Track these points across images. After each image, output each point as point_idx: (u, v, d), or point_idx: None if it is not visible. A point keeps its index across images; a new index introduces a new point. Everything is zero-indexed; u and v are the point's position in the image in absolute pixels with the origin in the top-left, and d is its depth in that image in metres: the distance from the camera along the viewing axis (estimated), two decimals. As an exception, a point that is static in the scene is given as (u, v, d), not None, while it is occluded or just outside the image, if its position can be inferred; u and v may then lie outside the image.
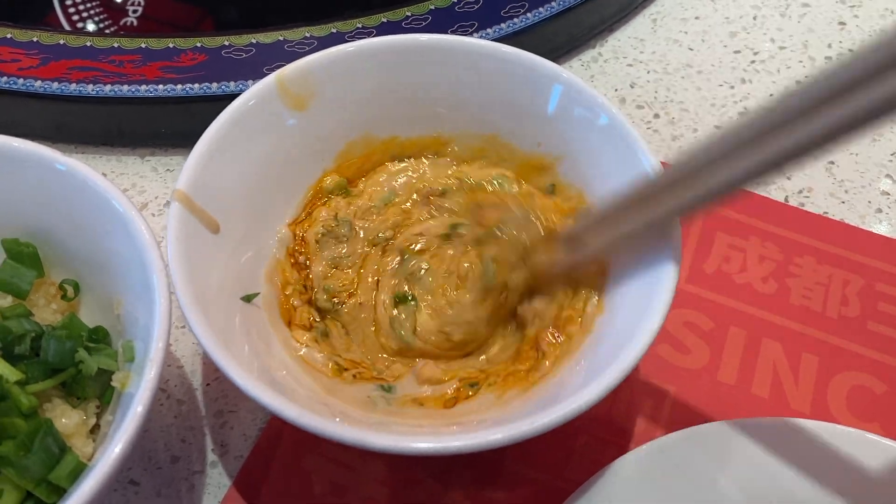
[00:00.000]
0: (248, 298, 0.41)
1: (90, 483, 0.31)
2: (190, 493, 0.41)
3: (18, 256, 0.42)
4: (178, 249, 0.37)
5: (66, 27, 0.60)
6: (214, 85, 0.53)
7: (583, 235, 0.40)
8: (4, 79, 0.53)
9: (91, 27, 0.61)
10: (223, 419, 0.44)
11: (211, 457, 0.43)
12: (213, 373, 0.45)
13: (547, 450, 0.43)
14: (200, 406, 0.44)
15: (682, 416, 0.44)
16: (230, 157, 0.41)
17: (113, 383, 0.37)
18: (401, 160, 0.48)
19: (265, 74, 0.44)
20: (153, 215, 0.52)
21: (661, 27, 0.65)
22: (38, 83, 0.53)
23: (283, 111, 0.44)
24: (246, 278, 0.42)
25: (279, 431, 0.43)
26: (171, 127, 0.54)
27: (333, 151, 0.46)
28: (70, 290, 0.42)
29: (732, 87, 0.60)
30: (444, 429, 0.38)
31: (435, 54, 0.45)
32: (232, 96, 0.43)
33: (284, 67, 0.43)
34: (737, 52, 0.63)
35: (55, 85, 0.53)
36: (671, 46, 0.63)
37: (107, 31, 0.60)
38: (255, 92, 0.43)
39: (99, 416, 0.39)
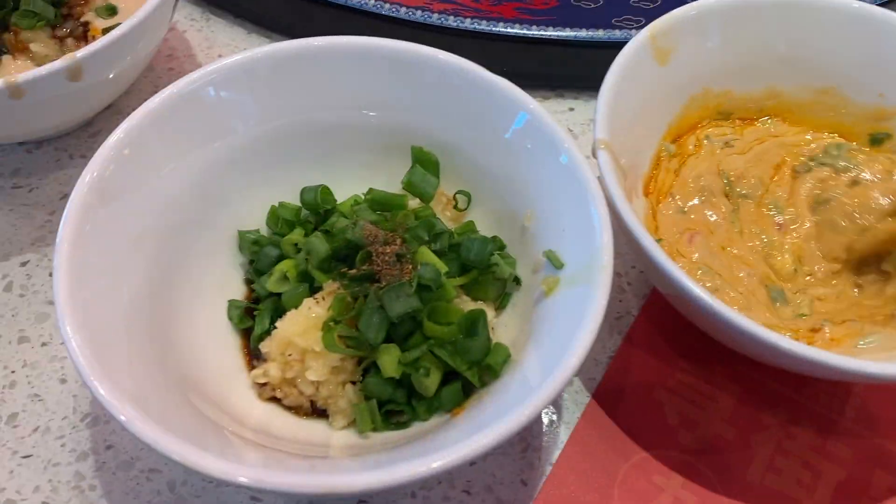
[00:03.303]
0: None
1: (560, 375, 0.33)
2: (553, 404, 0.44)
3: (424, 163, 0.45)
4: (620, 196, 0.39)
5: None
6: (568, 30, 0.55)
7: None
8: (373, 2, 0.57)
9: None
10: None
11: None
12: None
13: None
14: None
15: None
16: (621, 107, 0.43)
17: (541, 285, 0.40)
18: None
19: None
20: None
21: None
22: (403, 10, 0.56)
23: (651, 64, 0.46)
24: None
25: (626, 365, 0.46)
26: (515, 67, 0.57)
27: (678, 106, 0.49)
28: (463, 201, 0.45)
29: None
30: None
31: (775, 11, 0.48)
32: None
33: (654, 23, 0.46)
34: None
35: (419, 13, 0.56)
36: None
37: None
38: (633, 46, 0.45)
39: (494, 318, 0.42)
